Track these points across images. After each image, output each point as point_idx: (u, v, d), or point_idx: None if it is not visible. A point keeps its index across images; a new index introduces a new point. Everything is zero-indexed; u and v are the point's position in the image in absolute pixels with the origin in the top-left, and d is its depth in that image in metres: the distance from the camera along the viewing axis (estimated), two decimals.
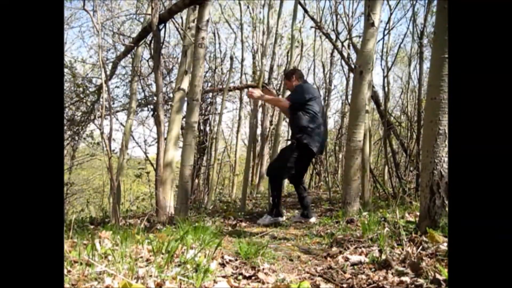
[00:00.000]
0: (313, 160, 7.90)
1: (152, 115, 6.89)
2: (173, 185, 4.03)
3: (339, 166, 8.39)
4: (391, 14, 5.51)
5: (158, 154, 3.53)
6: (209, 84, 7.39)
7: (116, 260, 1.48)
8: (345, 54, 5.95)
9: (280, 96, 4.24)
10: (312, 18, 5.99)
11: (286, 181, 6.77)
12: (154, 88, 6.32)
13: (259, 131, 8.73)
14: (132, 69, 5.69)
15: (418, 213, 2.20)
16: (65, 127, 6.37)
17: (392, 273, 1.47)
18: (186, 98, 4.06)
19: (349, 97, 6.12)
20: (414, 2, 5.35)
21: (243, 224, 3.58)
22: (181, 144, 4.17)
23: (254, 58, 8.75)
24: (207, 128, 7.60)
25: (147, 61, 5.84)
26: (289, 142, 3.62)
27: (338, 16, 6.57)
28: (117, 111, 7.20)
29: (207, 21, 3.87)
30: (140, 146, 7.08)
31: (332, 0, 6.52)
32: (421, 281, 1.32)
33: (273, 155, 4.98)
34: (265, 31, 7.83)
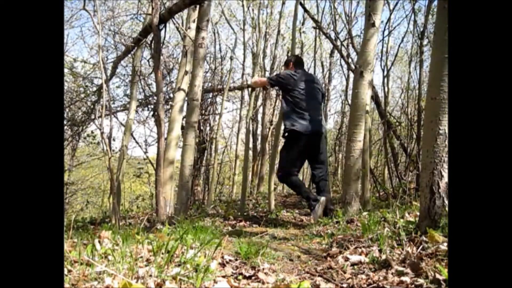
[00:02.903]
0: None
1: (153, 115, 6.90)
2: (173, 185, 4.04)
3: (339, 166, 8.38)
4: (391, 14, 5.51)
5: (158, 154, 3.53)
6: (209, 84, 7.39)
7: (116, 260, 1.48)
8: (345, 54, 5.96)
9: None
10: (313, 18, 6.00)
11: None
12: (154, 88, 6.33)
13: (259, 130, 8.73)
14: (132, 69, 5.69)
15: (418, 213, 2.20)
16: (66, 127, 6.37)
17: (392, 273, 1.47)
18: (186, 98, 4.06)
19: (349, 97, 6.13)
20: (414, 2, 5.35)
21: (243, 224, 3.58)
22: (181, 144, 4.17)
23: (254, 58, 8.75)
24: (207, 128, 7.60)
25: (148, 61, 5.85)
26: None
27: (338, 16, 6.58)
28: (117, 111, 7.21)
29: (207, 21, 3.88)
30: (140, 146, 7.08)
31: (332, 0, 6.51)
32: (421, 281, 1.32)
33: (273, 155, 4.98)
34: (263, 29, 7.81)
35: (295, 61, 3.78)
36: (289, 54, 4.77)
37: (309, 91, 3.53)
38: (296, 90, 3.47)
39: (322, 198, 3.31)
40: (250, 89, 5.67)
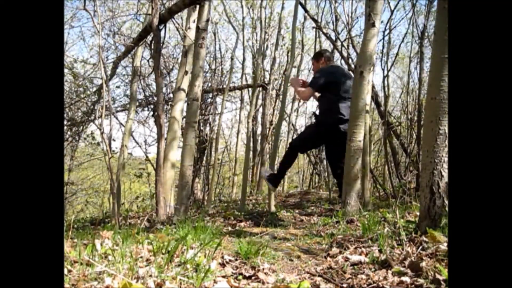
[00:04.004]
0: (312, 159, 7.88)
1: (153, 115, 6.90)
2: (173, 185, 4.04)
3: None
4: (391, 14, 5.51)
5: (158, 154, 3.53)
6: (209, 84, 7.39)
7: (116, 260, 1.48)
8: (345, 54, 5.95)
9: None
10: (313, 18, 5.99)
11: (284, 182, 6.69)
12: (154, 88, 6.33)
13: (259, 130, 8.73)
14: (132, 69, 5.70)
15: (418, 213, 2.20)
16: (66, 127, 6.38)
17: (392, 273, 1.47)
18: (186, 98, 4.06)
19: None
20: (415, 2, 5.35)
21: (243, 224, 3.58)
22: (181, 144, 4.18)
23: (254, 58, 8.75)
24: (207, 128, 7.60)
25: (148, 61, 5.85)
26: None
27: (338, 16, 6.58)
28: (117, 111, 7.21)
29: (207, 21, 3.88)
30: (140, 146, 7.08)
31: (332, 0, 6.51)
32: (421, 281, 1.32)
33: (273, 155, 4.98)
34: (262, 27, 7.82)
35: (327, 57, 3.78)
36: (289, 54, 4.76)
37: (341, 88, 3.55)
38: (329, 88, 3.50)
39: (273, 188, 3.78)
40: (251, 89, 5.66)
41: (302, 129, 7.56)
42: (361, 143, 3.46)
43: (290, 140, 4.13)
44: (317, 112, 3.77)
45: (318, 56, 3.82)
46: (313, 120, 3.86)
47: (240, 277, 1.54)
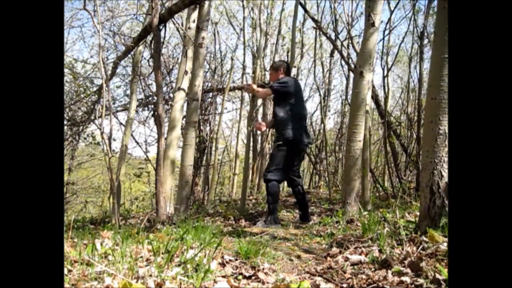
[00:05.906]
0: (312, 159, 7.88)
1: (153, 115, 6.91)
2: (173, 185, 4.04)
3: (339, 166, 8.39)
4: (391, 14, 5.51)
5: (158, 153, 3.53)
6: (209, 84, 7.40)
7: (116, 260, 1.48)
8: (345, 54, 5.96)
9: None
10: (312, 18, 5.99)
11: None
12: (154, 88, 6.33)
13: (259, 131, 8.72)
14: (132, 69, 5.70)
15: (418, 213, 2.20)
16: (66, 127, 6.38)
17: (392, 273, 1.47)
18: (186, 98, 4.07)
19: (349, 97, 6.13)
20: (415, 2, 5.35)
21: (243, 224, 3.58)
22: (181, 144, 4.18)
23: (254, 58, 8.75)
24: (207, 128, 7.60)
25: (148, 61, 5.86)
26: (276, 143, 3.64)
27: (338, 16, 6.58)
28: (118, 111, 7.21)
29: (207, 21, 3.88)
30: (140, 146, 7.09)
31: (332, 0, 6.51)
32: (421, 281, 1.32)
33: None
34: (262, 28, 7.83)
35: (286, 68, 3.65)
36: (289, 54, 4.76)
37: (302, 99, 3.52)
38: (293, 98, 3.41)
39: (279, 226, 3.27)
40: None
41: None
42: (361, 143, 3.47)
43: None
44: (278, 125, 3.46)
45: (278, 67, 3.66)
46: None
47: (240, 277, 1.54)
